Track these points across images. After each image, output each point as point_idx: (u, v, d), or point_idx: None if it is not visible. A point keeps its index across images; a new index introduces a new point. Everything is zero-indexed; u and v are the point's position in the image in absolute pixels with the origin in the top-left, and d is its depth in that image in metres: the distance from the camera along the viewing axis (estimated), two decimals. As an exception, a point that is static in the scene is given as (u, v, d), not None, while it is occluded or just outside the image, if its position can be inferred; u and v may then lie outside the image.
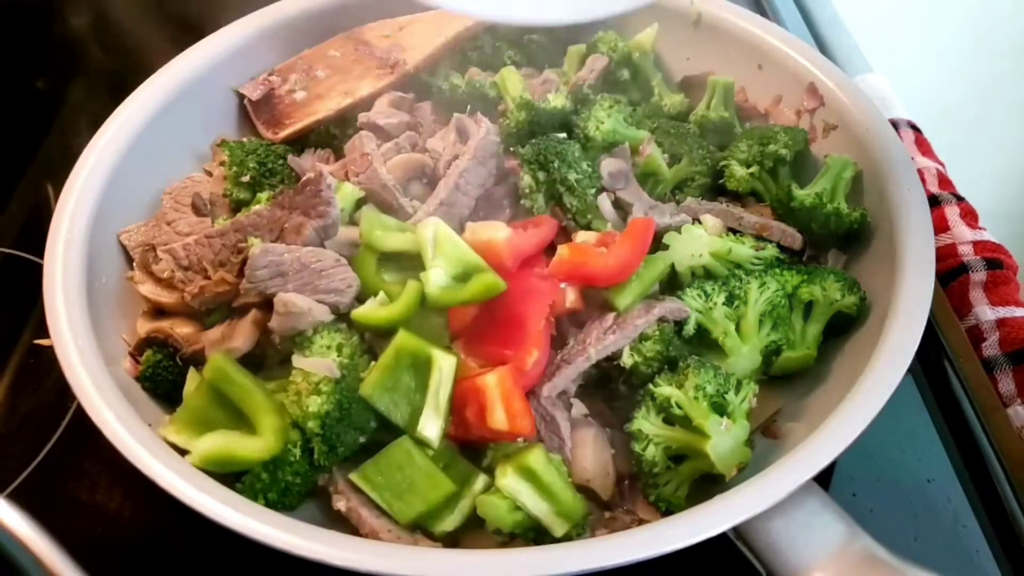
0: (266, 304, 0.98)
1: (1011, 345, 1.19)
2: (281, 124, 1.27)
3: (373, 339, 0.98)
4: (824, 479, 0.83)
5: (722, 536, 0.80)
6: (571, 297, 1.00)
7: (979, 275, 1.27)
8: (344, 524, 0.91)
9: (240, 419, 0.92)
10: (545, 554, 0.81)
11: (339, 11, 1.33)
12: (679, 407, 0.91)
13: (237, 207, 1.15)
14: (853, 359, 0.98)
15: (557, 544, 0.87)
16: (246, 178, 1.15)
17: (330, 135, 1.27)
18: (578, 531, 0.90)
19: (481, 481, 0.93)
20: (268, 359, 1.01)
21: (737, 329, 1.01)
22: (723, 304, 1.01)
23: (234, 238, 1.02)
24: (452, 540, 0.92)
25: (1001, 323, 1.22)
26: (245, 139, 1.23)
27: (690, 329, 1.01)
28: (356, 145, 1.15)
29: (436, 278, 0.95)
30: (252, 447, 0.89)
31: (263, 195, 1.12)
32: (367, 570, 0.77)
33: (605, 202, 1.10)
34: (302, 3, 1.32)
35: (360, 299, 0.99)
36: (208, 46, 1.25)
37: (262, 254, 0.96)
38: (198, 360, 0.99)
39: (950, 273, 1.29)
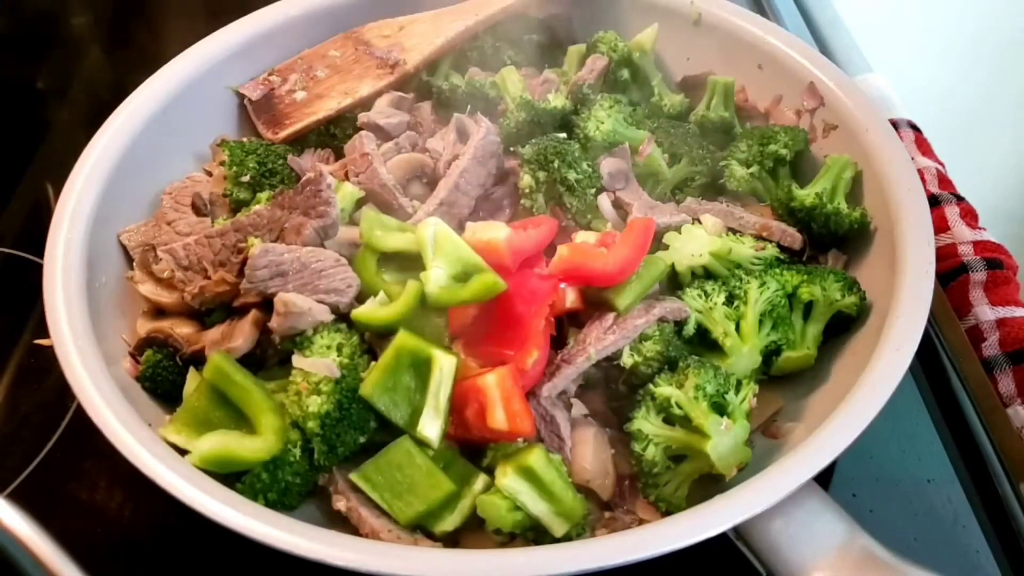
0: (266, 304, 0.97)
1: (1011, 345, 1.19)
2: (281, 124, 1.27)
3: (373, 339, 0.98)
4: (824, 479, 0.83)
5: (722, 536, 0.80)
6: (571, 297, 1.00)
7: (979, 275, 1.27)
8: (344, 524, 0.91)
9: (240, 419, 0.92)
10: (545, 554, 0.81)
11: (339, 11, 1.33)
12: (679, 407, 0.91)
13: (237, 207, 1.15)
14: (853, 359, 0.98)
15: (557, 544, 0.87)
16: (246, 178, 1.15)
17: (330, 135, 1.27)
18: (578, 531, 0.90)
19: (481, 481, 0.93)
20: (268, 359, 1.01)
21: (737, 329, 1.01)
22: (723, 304, 1.01)
23: (234, 238, 1.02)
24: (452, 540, 0.92)
25: (1001, 323, 1.22)
26: (245, 139, 1.23)
27: (690, 329, 1.01)
28: (356, 145, 1.15)
29: (436, 278, 0.95)
30: (252, 447, 0.89)
31: (263, 195, 1.12)
32: (367, 570, 0.77)
33: (605, 202, 1.10)
34: (302, 3, 1.32)
35: (360, 299, 0.99)
36: (208, 46, 1.25)
37: (262, 254, 0.96)
38: (198, 360, 0.99)
39: (950, 273, 1.29)
